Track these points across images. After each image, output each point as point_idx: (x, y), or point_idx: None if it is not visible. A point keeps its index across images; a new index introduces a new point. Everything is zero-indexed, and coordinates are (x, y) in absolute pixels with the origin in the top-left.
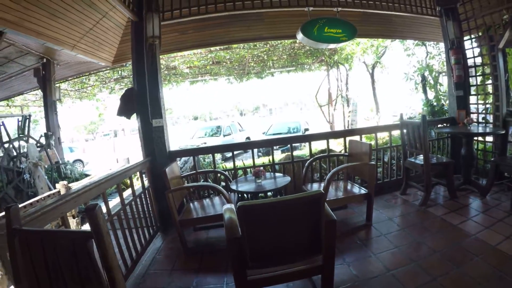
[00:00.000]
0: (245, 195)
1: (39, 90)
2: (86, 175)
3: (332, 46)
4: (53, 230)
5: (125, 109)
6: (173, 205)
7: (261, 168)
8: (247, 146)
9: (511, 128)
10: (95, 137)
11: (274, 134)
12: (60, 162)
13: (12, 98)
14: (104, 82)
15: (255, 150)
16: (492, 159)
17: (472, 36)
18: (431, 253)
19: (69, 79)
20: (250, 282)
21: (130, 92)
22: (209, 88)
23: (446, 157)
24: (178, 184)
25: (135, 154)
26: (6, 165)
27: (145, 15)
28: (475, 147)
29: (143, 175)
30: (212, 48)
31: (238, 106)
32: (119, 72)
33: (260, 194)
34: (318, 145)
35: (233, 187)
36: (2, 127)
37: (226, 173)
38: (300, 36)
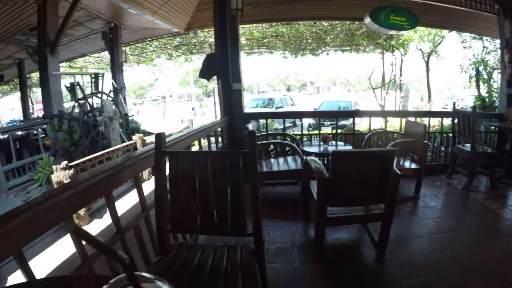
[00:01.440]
0: None
1: (100, 53)
2: (149, 133)
3: (394, 32)
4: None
5: (207, 72)
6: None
7: (329, 135)
8: (315, 114)
9: None
10: (143, 102)
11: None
12: (128, 115)
13: (75, 60)
14: (163, 48)
15: (305, 125)
16: None
17: None
18: (469, 226)
19: (132, 43)
20: (329, 219)
21: (212, 56)
22: (257, 61)
23: (491, 149)
24: None
25: (184, 119)
26: (83, 118)
27: None
28: None
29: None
30: (273, 23)
31: (285, 82)
32: (179, 39)
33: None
34: (372, 126)
35: (305, 148)
36: (77, 87)
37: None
38: (367, 20)
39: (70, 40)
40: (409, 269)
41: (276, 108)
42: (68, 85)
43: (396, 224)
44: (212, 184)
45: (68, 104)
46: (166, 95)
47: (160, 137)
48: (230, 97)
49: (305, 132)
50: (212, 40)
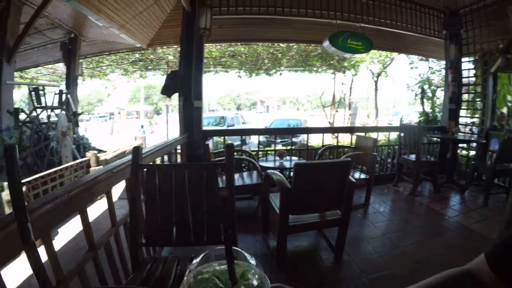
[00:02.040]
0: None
1: (53, 64)
2: (100, 150)
3: (350, 55)
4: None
5: (168, 89)
6: None
7: (285, 150)
8: (272, 131)
9: (492, 139)
10: (90, 118)
11: None
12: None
13: (26, 70)
14: (119, 63)
15: (255, 142)
16: (473, 162)
17: (470, 58)
18: (416, 226)
19: (89, 56)
20: (291, 227)
21: (174, 74)
22: (210, 80)
23: (434, 158)
24: (212, 158)
25: (138, 136)
26: (38, 125)
27: (199, 8)
28: (460, 153)
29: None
30: (233, 43)
31: (236, 100)
32: (138, 55)
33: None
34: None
35: (262, 164)
36: (42, 92)
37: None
38: (326, 43)
39: (26, 48)
40: (366, 267)
41: (228, 126)
42: (31, 88)
43: (350, 229)
44: (188, 196)
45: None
46: (115, 112)
47: (138, 150)
48: (191, 114)
49: (256, 149)
50: (171, 57)
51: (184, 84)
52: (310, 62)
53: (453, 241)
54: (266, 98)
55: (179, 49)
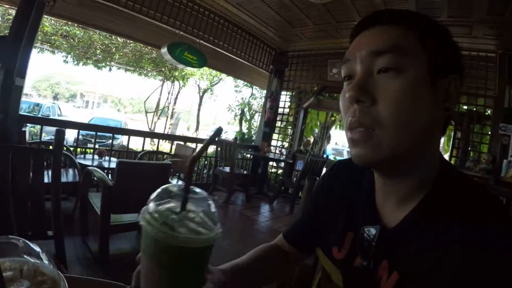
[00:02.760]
0: None
1: None
2: None
3: (183, 67)
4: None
5: None
6: None
7: (104, 149)
8: (90, 127)
9: (298, 161)
10: None
11: None
12: None
13: None
14: None
15: (71, 139)
16: (280, 178)
17: (288, 93)
18: (232, 229)
19: None
20: (113, 226)
21: (4, 39)
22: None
23: (247, 172)
24: None
25: None
26: None
27: None
28: (270, 170)
29: None
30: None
31: (54, 88)
32: None
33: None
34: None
35: (81, 161)
36: None
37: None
38: (164, 50)
39: None
40: None
41: (42, 115)
42: None
43: None
44: (11, 183)
45: None
46: None
47: None
48: (9, 93)
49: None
50: None
51: (10, 56)
52: (142, 64)
53: (264, 240)
54: (88, 92)
55: (10, 10)
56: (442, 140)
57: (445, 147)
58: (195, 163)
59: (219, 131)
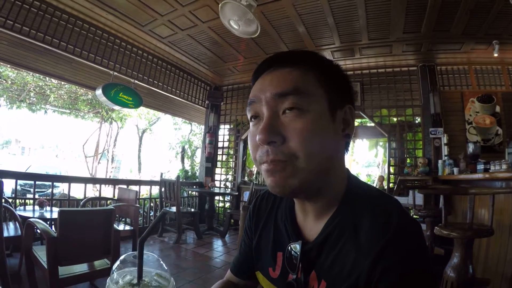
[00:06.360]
0: None
1: None
2: None
3: (119, 108)
4: None
5: None
6: None
7: (45, 199)
8: (30, 176)
9: (244, 192)
10: None
11: None
12: None
13: None
14: None
15: (8, 190)
16: (228, 211)
17: (226, 126)
18: (186, 268)
19: None
20: (62, 280)
21: None
22: None
23: (194, 209)
24: None
25: None
26: None
27: None
28: (217, 204)
29: None
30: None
31: None
32: None
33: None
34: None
35: (21, 213)
36: None
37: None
38: (99, 91)
39: None
40: None
41: None
42: None
43: None
44: None
45: None
46: None
47: None
48: None
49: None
50: None
51: None
52: (78, 106)
53: (220, 275)
54: (23, 138)
55: None
56: (381, 151)
57: (383, 158)
58: (143, 243)
59: (163, 214)
